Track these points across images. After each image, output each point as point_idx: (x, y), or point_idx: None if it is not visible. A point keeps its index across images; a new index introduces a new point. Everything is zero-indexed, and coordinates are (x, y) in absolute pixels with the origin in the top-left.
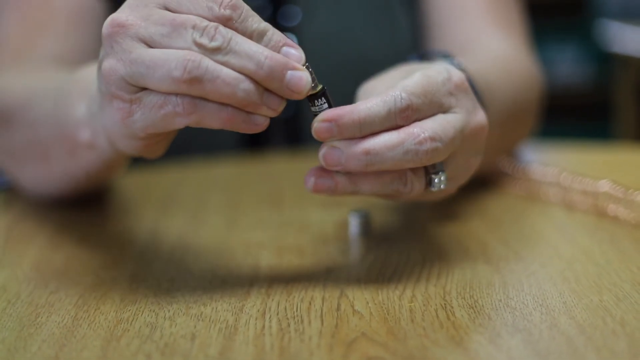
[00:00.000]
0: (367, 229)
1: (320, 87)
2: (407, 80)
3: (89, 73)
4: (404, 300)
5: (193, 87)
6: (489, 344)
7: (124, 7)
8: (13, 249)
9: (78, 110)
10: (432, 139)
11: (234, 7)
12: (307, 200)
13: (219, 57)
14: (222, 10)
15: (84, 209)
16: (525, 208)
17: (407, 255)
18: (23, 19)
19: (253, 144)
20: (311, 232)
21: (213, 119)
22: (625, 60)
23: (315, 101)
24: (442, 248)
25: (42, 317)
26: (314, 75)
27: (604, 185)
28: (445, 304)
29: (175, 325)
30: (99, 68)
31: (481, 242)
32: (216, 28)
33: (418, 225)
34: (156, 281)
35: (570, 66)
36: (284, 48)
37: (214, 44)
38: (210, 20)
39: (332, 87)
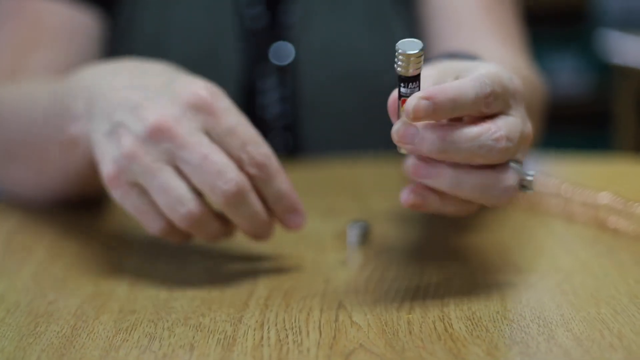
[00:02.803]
0: (366, 239)
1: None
2: (482, 69)
3: (88, 71)
4: (402, 311)
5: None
6: (486, 356)
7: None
8: (12, 258)
9: (76, 106)
10: (507, 138)
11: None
12: (306, 210)
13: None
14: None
15: (82, 219)
16: (525, 219)
17: (406, 267)
18: (15, 36)
19: None
20: (310, 242)
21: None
22: (626, 71)
23: (410, 84)
24: (440, 259)
25: (41, 327)
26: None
27: (605, 197)
28: (443, 315)
29: (174, 336)
30: None
31: (480, 253)
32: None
33: (416, 237)
34: (155, 291)
35: (571, 76)
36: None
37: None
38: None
39: (329, 96)
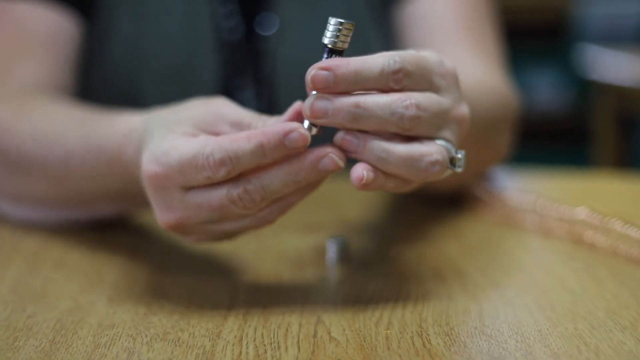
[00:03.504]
0: (345, 255)
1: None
2: (402, 51)
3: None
4: (380, 327)
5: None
6: None
7: (161, 209)
8: None
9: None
10: (418, 107)
11: (222, 163)
12: (285, 226)
13: (267, 202)
14: (218, 174)
15: (60, 233)
16: (502, 235)
17: (384, 282)
18: None
19: None
20: (288, 258)
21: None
22: (604, 87)
23: (333, 55)
24: (418, 275)
25: (19, 341)
26: (339, 36)
27: (581, 213)
28: (421, 331)
29: (153, 351)
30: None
31: (458, 269)
32: (246, 191)
33: (395, 252)
34: (134, 306)
35: (549, 91)
36: (286, 142)
37: (257, 202)
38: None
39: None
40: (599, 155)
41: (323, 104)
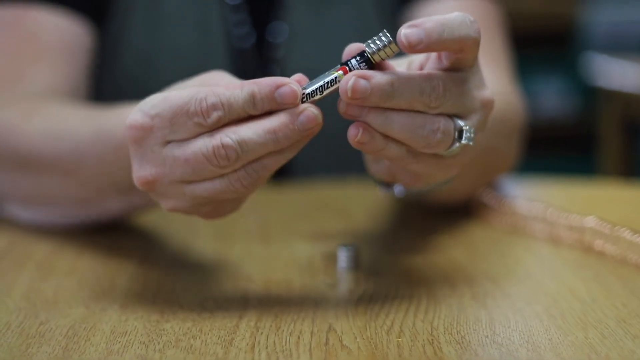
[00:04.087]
0: (356, 262)
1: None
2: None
3: None
4: (391, 335)
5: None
6: None
7: (138, 163)
8: (3, 278)
9: None
10: (444, 87)
11: (213, 107)
12: (295, 234)
13: (243, 162)
14: (209, 119)
15: (71, 240)
16: (511, 243)
17: (395, 290)
18: (11, 51)
19: None
20: (299, 265)
21: (277, 164)
22: (610, 94)
23: (363, 64)
24: (429, 283)
25: (32, 348)
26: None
27: (590, 222)
28: (432, 339)
29: (165, 358)
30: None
31: (468, 277)
32: (222, 145)
33: (406, 260)
34: (146, 313)
35: (555, 98)
36: (276, 95)
37: (232, 160)
38: (207, 129)
39: None
40: (604, 162)
41: (363, 84)
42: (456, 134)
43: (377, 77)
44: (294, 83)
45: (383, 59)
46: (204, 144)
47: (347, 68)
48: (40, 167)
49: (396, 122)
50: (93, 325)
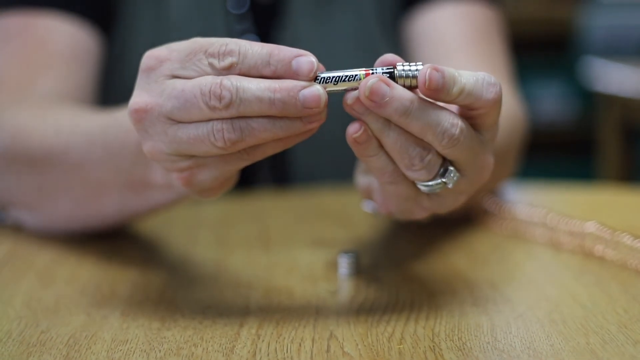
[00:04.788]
0: (357, 269)
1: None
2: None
3: None
4: (393, 342)
5: (230, 112)
6: None
7: (139, 90)
8: (4, 286)
9: None
10: (462, 131)
11: (230, 53)
12: (296, 240)
13: (233, 110)
14: (222, 62)
15: (72, 248)
16: (512, 248)
17: (396, 297)
18: (21, 58)
19: (240, 182)
20: (300, 272)
21: (265, 136)
22: (609, 98)
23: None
24: (430, 289)
25: (33, 357)
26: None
27: (591, 227)
28: (434, 346)
29: None
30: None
31: (469, 283)
32: (220, 85)
33: (407, 266)
34: (147, 320)
35: (554, 103)
36: (294, 62)
37: (224, 102)
38: (217, 73)
39: None
40: (604, 166)
41: (384, 88)
42: (441, 170)
43: (400, 90)
44: (314, 58)
45: (406, 86)
46: (204, 79)
47: (370, 72)
48: (47, 163)
49: (393, 133)
50: (94, 333)
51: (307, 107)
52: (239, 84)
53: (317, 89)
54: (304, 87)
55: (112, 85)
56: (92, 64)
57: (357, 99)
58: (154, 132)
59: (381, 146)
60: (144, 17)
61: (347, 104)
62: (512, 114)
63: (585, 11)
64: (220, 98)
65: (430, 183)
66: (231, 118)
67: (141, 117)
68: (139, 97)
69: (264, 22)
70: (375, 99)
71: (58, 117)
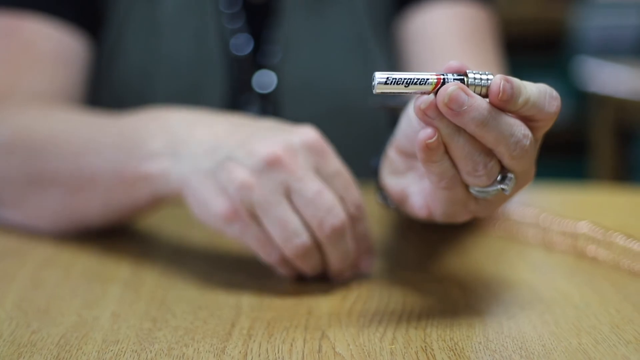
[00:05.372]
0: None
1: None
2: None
3: (168, 114)
4: (384, 342)
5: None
6: None
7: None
8: None
9: (153, 144)
10: (531, 141)
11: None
12: None
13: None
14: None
15: (63, 249)
16: (504, 248)
17: (388, 297)
18: (8, 56)
19: None
20: None
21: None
22: (603, 99)
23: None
24: (422, 289)
25: (24, 357)
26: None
27: (584, 227)
28: (425, 346)
29: None
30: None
31: (461, 283)
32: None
33: (398, 266)
34: (138, 321)
35: None
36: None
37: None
38: None
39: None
40: (597, 167)
41: (463, 97)
42: (499, 177)
43: (479, 99)
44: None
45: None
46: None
47: (442, 78)
48: (47, 151)
49: (462, 139)
50: (85, 333)
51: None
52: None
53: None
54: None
55: (103, 88)
56: (79, 67)
57: (432, 103)
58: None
59: (446, 151)
60: (134, 19)
61: (420, 108)
62: None
63: (578, 11)
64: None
65: (488, 189)
66: None
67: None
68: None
69: (257, 22)
70: (454, 107)
71: (66, 112)
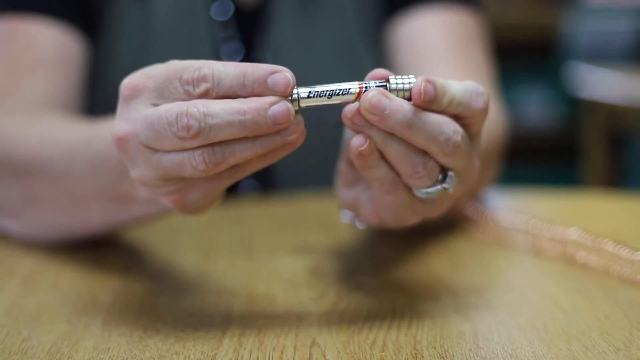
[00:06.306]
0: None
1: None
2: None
3: None
4: (375, 349)
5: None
6: None
7: (119, 119)
8: None
9: None
10: (462, 137)
11: (204, 79)
12: (278, 247)
13: (203, 138)
14: (198, 89)
15: (54, 256)
16: (494, 255)
17: (379, 304)
18: (7, 62)
19: None
20: (282, 279)
21: (246, 154)
22: (594, 104)
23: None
24: (412, 296)
25: None
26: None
27: (573, 233)
28: (416, 353)
29: None
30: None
31: (451, 289)
32: (187, 114)
33: (388, 273)
34: (129, 329)
35: (539, 108)
36: (269, 80)
37: (192, 132)
38: (194, 97)
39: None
40: (588, 173)
41: (385, 101)
42: (440, 176)
43: (400, 101)
44: (290, 72)
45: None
46: (171, 109)
47: (363, 86)
48: (31, 174)
49: (395, 142)
50: (76, 341)
51: (277, 123)
52: (206, 110)
53: (284, 103)
54: (272, 104)
55: (98, 91)
56: (78, 69)
57: (357, 111)
58: (138, 159)
59: (382, 157)
60: (129, 22)
61: (347, 117)
62: (493, 120)
63: (570, 17)
64: (187, 128)
65: (430, 190)
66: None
67: (124, 146)
68: (120, 125)
69: (248, 29)
70: (376, 112)
71: (43, 127)
